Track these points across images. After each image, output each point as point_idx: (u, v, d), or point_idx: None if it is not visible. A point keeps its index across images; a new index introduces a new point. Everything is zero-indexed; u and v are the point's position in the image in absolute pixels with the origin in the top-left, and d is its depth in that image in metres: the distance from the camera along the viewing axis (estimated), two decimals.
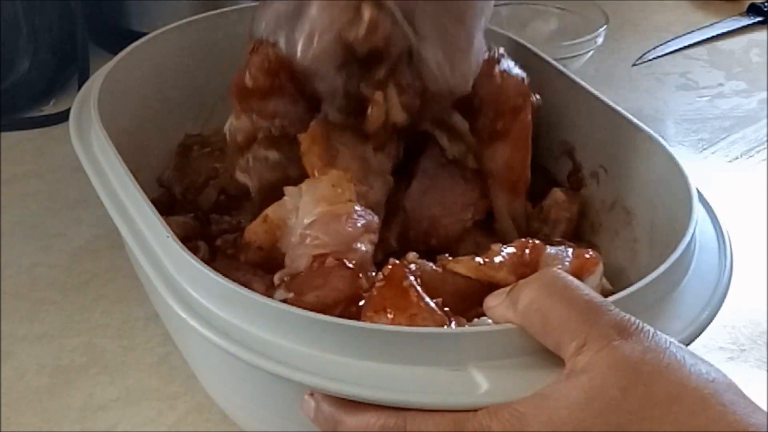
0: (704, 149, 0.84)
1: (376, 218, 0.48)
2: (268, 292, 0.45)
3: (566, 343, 0.36)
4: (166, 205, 0.47)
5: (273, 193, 0.51)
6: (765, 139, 0.86)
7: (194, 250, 0.52)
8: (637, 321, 0.37)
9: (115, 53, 0.60)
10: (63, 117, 0.80)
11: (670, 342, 0.36)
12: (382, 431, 0.37)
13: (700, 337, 0.42)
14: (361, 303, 0.43)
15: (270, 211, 0.49)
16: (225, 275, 0.41)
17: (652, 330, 0.36)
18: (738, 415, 0.34)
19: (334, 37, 0.48)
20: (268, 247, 0.49)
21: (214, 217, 0.57)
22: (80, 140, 0.53)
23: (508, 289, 0.40)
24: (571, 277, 0.39)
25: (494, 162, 0.56)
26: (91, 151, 0.52)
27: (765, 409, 0.35)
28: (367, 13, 0.47)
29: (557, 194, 0.59)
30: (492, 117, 0.54)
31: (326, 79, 0.50)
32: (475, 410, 0.36)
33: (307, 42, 0.49)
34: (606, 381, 0.35)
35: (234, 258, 0.51)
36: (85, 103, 0.55)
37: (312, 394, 0.40)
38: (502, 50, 0.56)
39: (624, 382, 0.34)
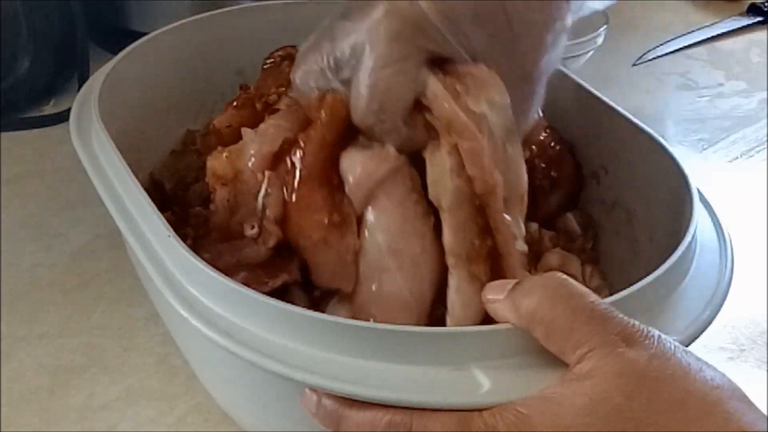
0: (704, 149, 0.84)
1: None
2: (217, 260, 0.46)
3: (571, 351, 0.36)
4: (157, 201, 0.47)
5: None
6: (765, 139, 0.86)
7: (183, 238, 0.52)
8: (642, 326, 0.36)
9: (115, 53, 0.60)
10: (63, 117, 0.80)
11: (676, 347, 0.36)
12: (389, 429, 0.37)
13: (700, 337, 0.42)
14: None
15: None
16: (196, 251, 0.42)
17: (657, 335, 0.36)
18: (743, 423, 0.34)
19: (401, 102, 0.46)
20: (230, 178, 0.49)
21: (194, 211, 0.56)
22: (80, 139, 0.53)
23: (509, 284, 0.40)
24: (575, 283, 0.38)
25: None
26: (92, 150, 0.52)
27: (766, 412, 0.35)
28: (433, 87, 0.45)
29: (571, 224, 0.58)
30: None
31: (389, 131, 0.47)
32: (479, 410, 0.36)
33: (371, 97, 0.45)
34: (611, 387, 0.34)
35: (204, 237, 0.51)
36: (86, 102, 0.55)
37: (314, 389, 0.40)
38: None
39: (629, 389, 0.34)
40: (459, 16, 0.44)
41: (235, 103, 0.56)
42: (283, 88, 0.54)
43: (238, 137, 0.53)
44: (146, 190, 0.48)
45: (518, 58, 0.47)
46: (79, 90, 0.58)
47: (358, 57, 0.45)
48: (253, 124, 0.54)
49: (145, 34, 0.63)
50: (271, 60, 0.59)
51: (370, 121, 0.46)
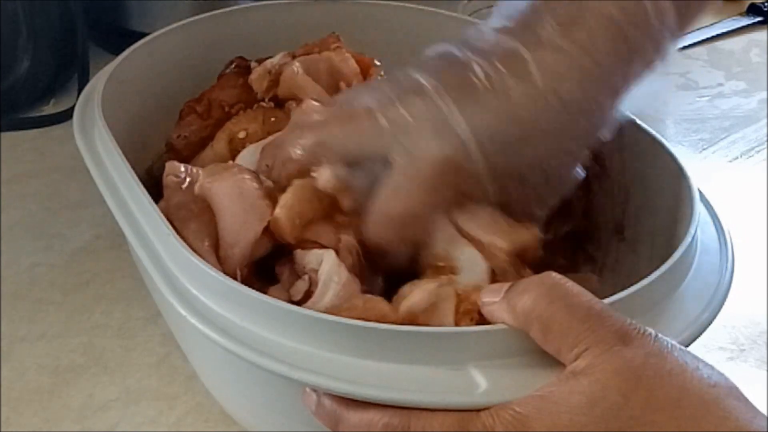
0: (704, 149, 0.84)
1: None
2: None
3: (567, 350, 0.36)
4: (154, 197, 0.47)
5: None
6: (765, 139, 0.86)
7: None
8: (639, 325, 0.36)
9: (115, 53, 0.60)
10: (63, 117, 0.80)
11: (673, 345, 0.36)
12: (386, 430, 0.37)
13: (699, 337, 0.42)
14: None
15: None
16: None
17: (654, 333, 0.36)
18: (740, 421, 0.34)
19: None
20: None
21: None
22: (84, 139, 0.53)
23: (505, 286, 0.40)
24: (572, 283, 0.38)
25: None
26: (95, 149, 0.52)
27: (766, 412, 0.35)
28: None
29: None
30: None
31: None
32: (476, 410, 0.36)
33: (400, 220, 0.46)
34: (607, 386, 0.34)
35: None
36: (89, 102, 0.55)
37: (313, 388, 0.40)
38: None
39: (625, 387, 0.34)
40: (505, 174, 0.46)
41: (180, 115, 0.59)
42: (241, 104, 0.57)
43: (191, 146, 0.57)
44: (144, 185, 0.48)
45: (543, 201, 0.49)
46: (79, 90, 0.58)
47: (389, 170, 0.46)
48: (200, 131, 0.57)
49: (145, 34, 0.63)
50: (227, 71, 0.61)
51: (392, 241, 0.46)
